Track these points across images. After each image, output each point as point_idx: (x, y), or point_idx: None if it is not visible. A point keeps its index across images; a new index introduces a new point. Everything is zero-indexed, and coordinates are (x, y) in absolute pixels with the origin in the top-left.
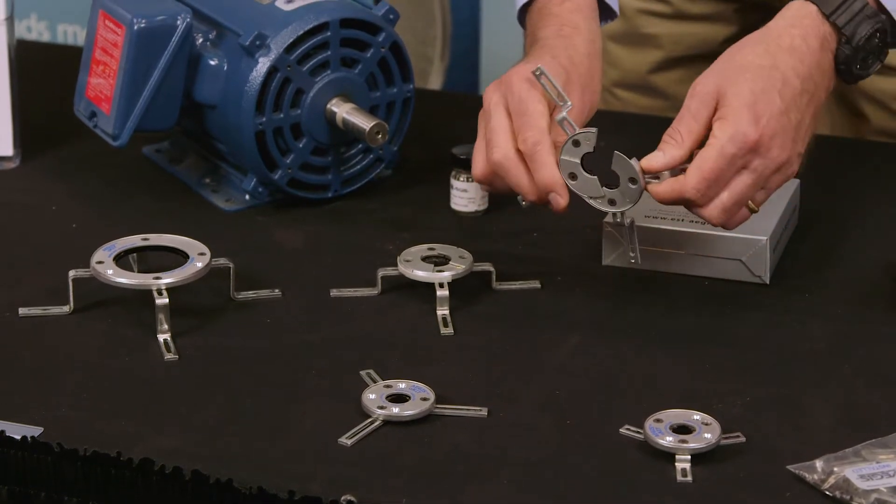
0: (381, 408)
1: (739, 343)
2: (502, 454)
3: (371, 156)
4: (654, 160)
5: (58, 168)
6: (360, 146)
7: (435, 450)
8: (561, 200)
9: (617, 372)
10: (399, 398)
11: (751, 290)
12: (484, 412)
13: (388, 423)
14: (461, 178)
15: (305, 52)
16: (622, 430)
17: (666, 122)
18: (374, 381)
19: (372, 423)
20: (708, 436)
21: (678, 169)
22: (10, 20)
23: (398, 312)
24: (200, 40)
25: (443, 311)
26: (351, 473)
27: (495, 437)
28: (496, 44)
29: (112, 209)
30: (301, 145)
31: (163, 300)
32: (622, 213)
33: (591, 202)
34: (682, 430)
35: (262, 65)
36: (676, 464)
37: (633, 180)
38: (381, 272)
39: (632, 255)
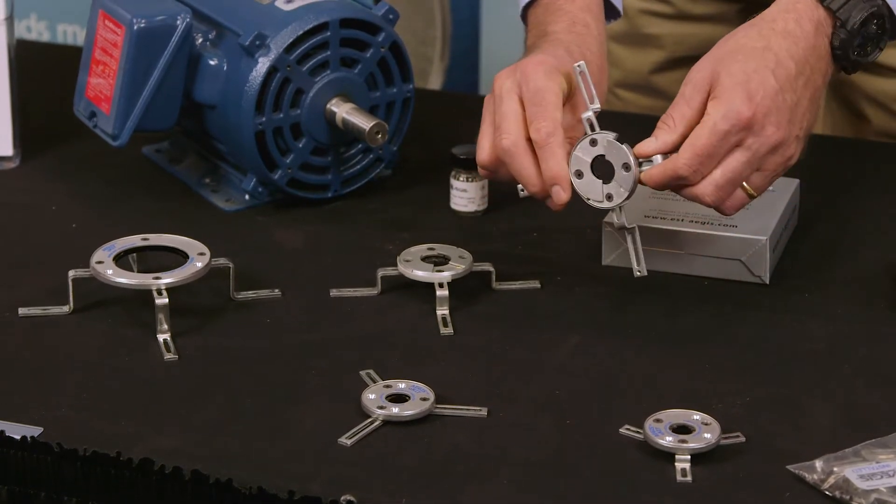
0: (381, 408)
1: (739, 343)
2: (502, 454)
3: (371, 156)
4: (646, 145)
5: (58, 168)
6: (359, 146)
7: (435, 450)
8: (563, 195)
9: (617, 372)
10: (399, 398)
11: (751, 290)
12: (484, 412)
13: (388, 423)
14: (461, 178)
15: (305, 52)
16: (622, 430)
17: None
18: (374, 381)
19: (372, 423)
20: (708, 436)
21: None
22: (10, 20)
23: (398, 312)
24: (200, 40)
25: (442, 311)
26: (351, 473)
27: (495, 437)
28: (496, 44)
29: (112, 209)
30: (301, 145)
31: (163, 300)
32: (622, 212)
33: (591, 202)
34: (682, 430)
35: (262, 65)
36: (676, 464)
37: (626, 166)
38: (381, 272)
39: (637, 268)
